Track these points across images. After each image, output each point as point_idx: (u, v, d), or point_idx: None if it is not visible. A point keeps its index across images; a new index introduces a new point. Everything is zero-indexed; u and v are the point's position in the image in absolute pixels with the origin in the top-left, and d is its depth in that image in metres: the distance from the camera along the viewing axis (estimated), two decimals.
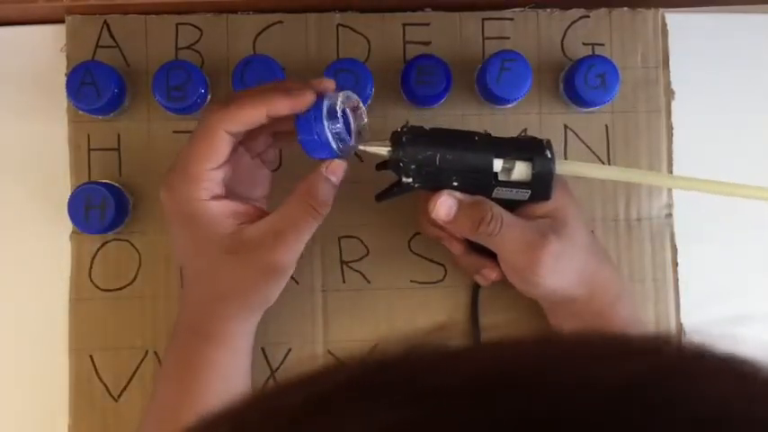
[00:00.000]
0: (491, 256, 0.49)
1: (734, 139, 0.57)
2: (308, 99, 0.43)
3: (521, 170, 0.44)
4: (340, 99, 0.44)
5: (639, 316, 0.52)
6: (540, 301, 0.50)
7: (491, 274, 0.50)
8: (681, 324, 0.54)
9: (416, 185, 0.44)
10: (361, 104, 0.46)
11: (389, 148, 0.44)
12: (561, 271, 0.46)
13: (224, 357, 0.46)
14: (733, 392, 0.17)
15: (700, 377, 0.18)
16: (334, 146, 0.43)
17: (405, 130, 0.44)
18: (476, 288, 0.53)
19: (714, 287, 0.56)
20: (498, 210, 0.45)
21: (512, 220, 0.45)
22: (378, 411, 0.17)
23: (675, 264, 0.55)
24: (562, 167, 0.45)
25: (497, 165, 0.44)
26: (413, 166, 0.44)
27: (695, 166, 0.54)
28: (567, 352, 0.19)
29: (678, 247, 0.55)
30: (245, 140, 0.46)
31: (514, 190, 0.45)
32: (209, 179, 0.43)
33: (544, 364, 0.18)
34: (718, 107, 0.57)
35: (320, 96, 0.43)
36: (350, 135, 0.45)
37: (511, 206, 0.46)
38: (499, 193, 0.45)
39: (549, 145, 0.45)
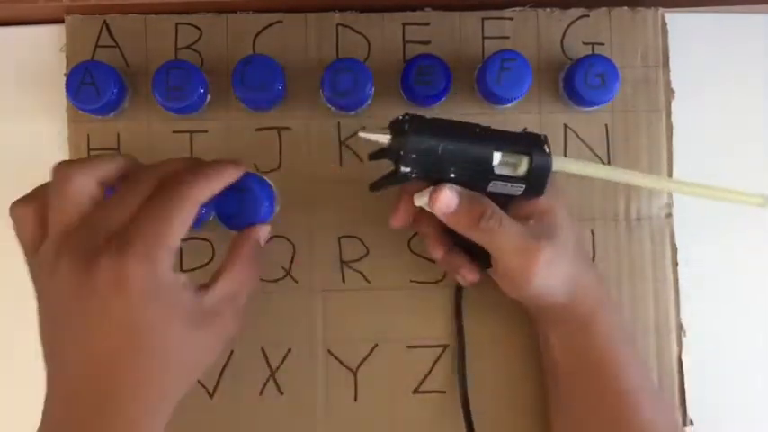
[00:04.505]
0: (471, 257, 0.49)
1: (734, 139, 0.57)
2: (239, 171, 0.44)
3: (518, 164, 0.44)
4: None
5: (624, 324, 0.51)
6: (524, 304, 0.50)
7: (468, 276, 0.50)
8: (681, 324, 0.54)
9: (414, 175, 0.43)
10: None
11: (389, 137, 0.43)
12: (550, 277, 0.45)
13: None
14: None
15: None
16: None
17: (406, 118, 0.43)
18: (458, 289, 0.53)
19: (714, 287, 0.56)
20: (498, 208, 0.45)
21: (509, 221, 0.45)
22: None
23: (675, 264, 0.55)
24: (558, 164, 0.45)
25: (496, 158, 0.44)
26: (413, 156, 0.42)
27: (695, 166, 0.54)
28: None
29: (678, 247, 0.55)
30: None
31: (509, 184, 0.44)
32: (176, 251, 0.41)
33: None
34: (719, 107, 0.57)
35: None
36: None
37: (502, 202, 0.45)
38: (494, 186, 0.45)
39: (546, 140, 0.45)
